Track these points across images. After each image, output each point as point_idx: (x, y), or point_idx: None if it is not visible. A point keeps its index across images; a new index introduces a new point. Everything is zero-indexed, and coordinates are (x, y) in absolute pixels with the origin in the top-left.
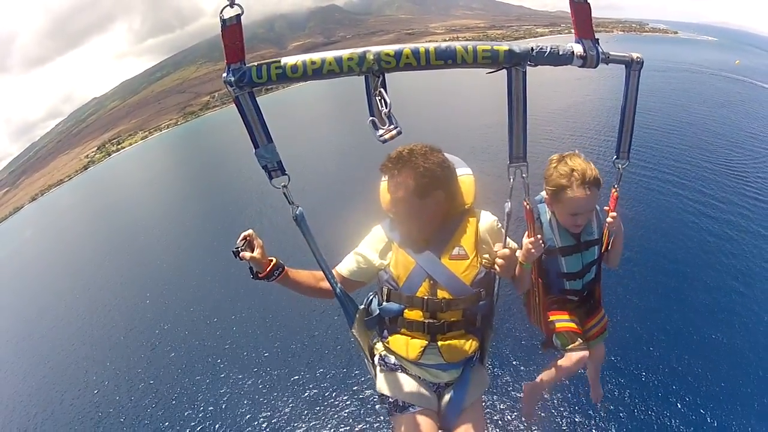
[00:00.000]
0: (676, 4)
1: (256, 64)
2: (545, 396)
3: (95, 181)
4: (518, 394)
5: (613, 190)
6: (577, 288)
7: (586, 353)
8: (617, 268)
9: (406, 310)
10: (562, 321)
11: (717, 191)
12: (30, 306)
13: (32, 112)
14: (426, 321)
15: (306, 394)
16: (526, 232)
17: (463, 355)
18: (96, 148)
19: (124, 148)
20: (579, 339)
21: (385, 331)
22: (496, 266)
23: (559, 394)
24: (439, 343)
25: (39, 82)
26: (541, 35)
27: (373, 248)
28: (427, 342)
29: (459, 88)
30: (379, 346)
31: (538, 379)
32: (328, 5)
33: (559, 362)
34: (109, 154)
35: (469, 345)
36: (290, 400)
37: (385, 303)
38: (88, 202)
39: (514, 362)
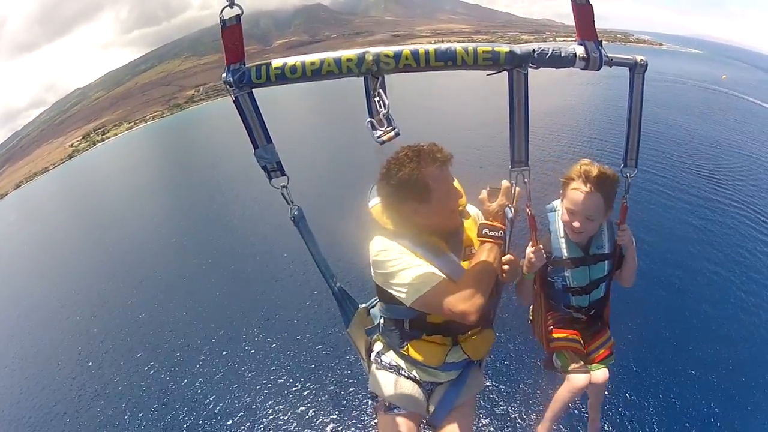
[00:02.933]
0: (661, 16)
1: (255, 64)
2: None
3: (80, 169)
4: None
5: (623, 201)
6: (583, 305)
7: (588, 377)
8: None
9: (429, 315)
10: (566, 340)
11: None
12: (13, 289)
13: (15, 100)
14: (448, 323)
15: (305, 393)
16: (530, 242)
17: (488, 349)
18: (81, 137)
19: (110, 138)
20: (581, 361)
21: (403, 340)
22: (500, 273)
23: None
24: (462, 344)
25: (23, 71)
26: (526, 42)
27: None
28: (449, 346)
29: (459, 89)
30: (378, 345)
31: (540, 427)
32: (315, 4)
33: (559, 391)
34: (95, 144)
35: (490, 337)
36: (286, 399)
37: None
38: (73, 189)
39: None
